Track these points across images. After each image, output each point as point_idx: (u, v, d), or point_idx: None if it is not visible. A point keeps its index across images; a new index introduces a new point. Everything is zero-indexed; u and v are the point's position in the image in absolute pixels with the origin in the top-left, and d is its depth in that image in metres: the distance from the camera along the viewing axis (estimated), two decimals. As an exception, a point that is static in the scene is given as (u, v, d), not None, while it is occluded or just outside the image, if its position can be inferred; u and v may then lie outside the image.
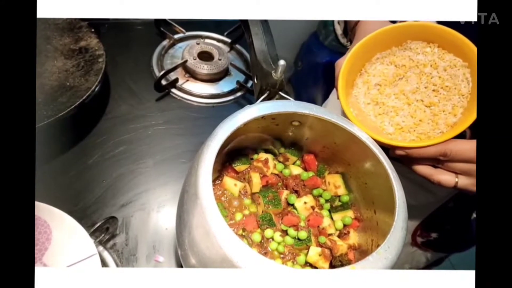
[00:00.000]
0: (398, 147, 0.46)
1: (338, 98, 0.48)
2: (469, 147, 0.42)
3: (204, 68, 0.81)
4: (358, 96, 0.50)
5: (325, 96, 0.93)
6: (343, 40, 0.71)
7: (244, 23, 0.62)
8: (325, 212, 0.50)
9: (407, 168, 0.50)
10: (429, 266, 0.75)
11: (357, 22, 0.60)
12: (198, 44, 0.85)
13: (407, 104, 0.48)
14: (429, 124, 0.46)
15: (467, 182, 0.44)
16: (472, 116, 0.42)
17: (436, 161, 0.45)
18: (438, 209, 0.65)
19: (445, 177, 0.45)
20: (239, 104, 0.82)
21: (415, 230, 0.68)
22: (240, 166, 0.51)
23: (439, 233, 0.68)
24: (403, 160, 0.47)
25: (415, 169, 0.47)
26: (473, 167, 0.43)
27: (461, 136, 0.44)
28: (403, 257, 0.72)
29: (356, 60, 0.49)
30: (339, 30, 0.71)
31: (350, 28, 0.65)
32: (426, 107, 0.47)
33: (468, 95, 0.45)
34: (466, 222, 0.66)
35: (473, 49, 0.44)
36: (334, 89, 0.88)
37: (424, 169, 0.47)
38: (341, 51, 0.70)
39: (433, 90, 0.47)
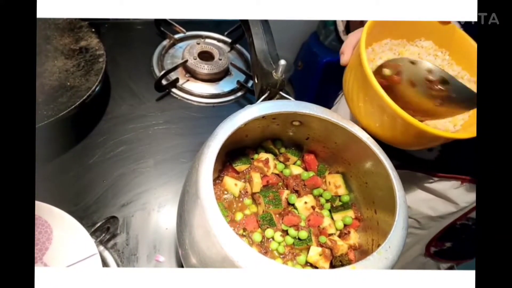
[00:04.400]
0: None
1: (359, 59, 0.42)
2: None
3: (204, 68, 0.81)
4: None
5: (325, 96, 0.93)
6: (344, 38, 0.70)
7: (244, 23, 0.62)
8: (325, 212, 0.50)
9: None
10: None
11: (361, 23, 0.60)
12: (198, 44, 0.85)
13: None
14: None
15: None
16: (471, 133, 0.40)
17: None
18: (458, 220, 0.62)
19: None
20: (239, 104, 0.82)
21: (430, 240, 0.66)
22: (240, 166, 0.51)
23: (453, 242, 0.66)
24: None
25: None
26: None
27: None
28: (414, 268, 0.70)
29: (370, 31, 0.44)
30: (341, 26, 0.70)
31: (355, 28, 0.64)
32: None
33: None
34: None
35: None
36: (341, 95, 0.87)
37: None
38: (341, 50, 0.70)
39: None
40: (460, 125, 0.44)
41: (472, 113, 0.45)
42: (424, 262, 0.69)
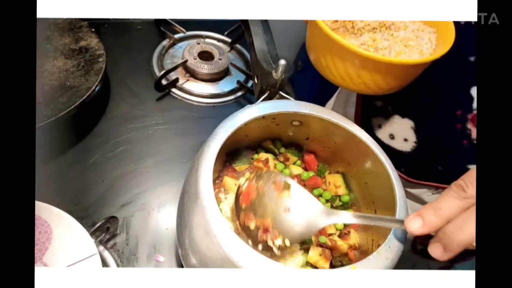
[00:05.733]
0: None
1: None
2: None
3: (204, 68, 0.81)
4: None
5: (325, 96, 0.93)
6: None
7: (244, 23, 0.62)
8: (325, 212, 0.50)
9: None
10: None
11: None
12: (198, 43, 0.85)
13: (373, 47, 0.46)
14: None
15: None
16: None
17: None
18: None
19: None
20: (239, 104, 0.82)
21: (414, 238, 0.66)
22: (240, 166, 0.51)
23: None
24: None
25: None
26: None
27: None
28: (404, 267, 0.70)
29: None
30: None
31: None
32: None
33: (428, 55, 0.45)
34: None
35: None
36: (339, 89, 0.87)
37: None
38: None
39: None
40: (429, 53, 0.45)
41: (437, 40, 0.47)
42: (414, 262, 0.69)
